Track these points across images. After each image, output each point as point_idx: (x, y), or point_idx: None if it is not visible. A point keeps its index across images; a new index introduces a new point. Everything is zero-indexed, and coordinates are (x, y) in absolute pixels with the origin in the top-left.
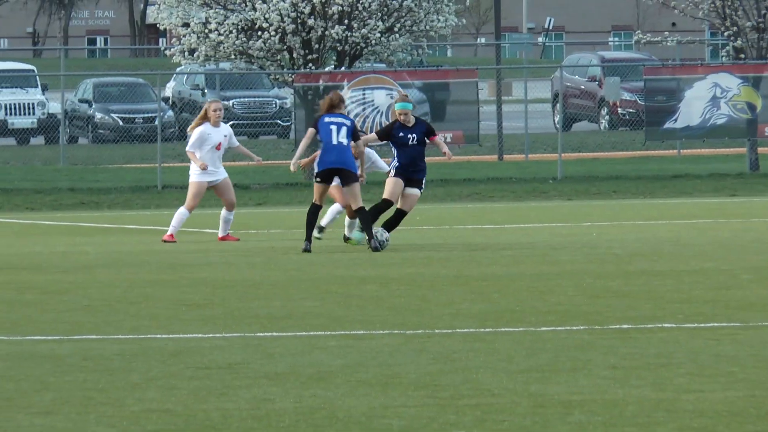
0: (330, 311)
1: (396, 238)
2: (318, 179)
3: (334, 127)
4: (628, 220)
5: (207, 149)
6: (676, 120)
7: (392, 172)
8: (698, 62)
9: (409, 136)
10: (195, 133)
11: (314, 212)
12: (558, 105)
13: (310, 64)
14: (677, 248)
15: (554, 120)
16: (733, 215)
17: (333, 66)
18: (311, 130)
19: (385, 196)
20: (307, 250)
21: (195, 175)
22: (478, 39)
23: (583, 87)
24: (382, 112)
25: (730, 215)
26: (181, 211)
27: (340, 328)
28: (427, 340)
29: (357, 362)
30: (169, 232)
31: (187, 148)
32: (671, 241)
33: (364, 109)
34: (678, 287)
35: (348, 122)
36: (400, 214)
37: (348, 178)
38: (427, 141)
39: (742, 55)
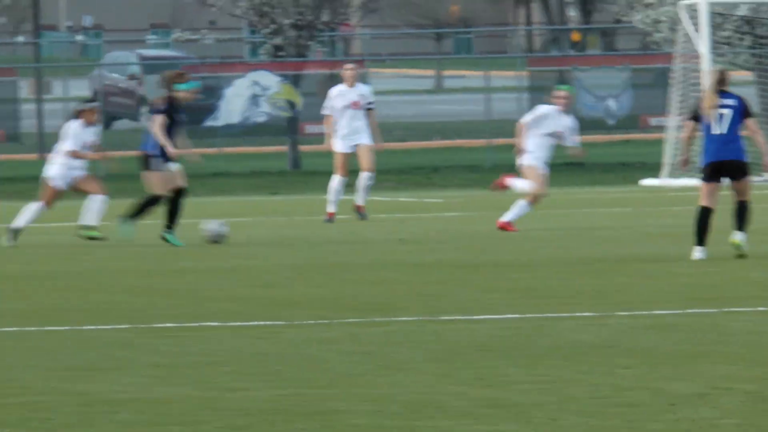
0: None
1: None
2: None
3: None
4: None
5: None
6: (216, 118)
7: (157, 164)
8: (237, 60)
9: (183, 117)
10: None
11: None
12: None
13: None
14: (219, 247)
15: None
16: (274, 213)
17: None
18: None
19: (168, 188)
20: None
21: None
22: (17, 37)
23: (122, 85)
24: None
25: (270, 213)
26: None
27: None
28: None
29: None
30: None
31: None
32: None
33: None
34: (220, 285)
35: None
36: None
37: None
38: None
39: (282, 53)
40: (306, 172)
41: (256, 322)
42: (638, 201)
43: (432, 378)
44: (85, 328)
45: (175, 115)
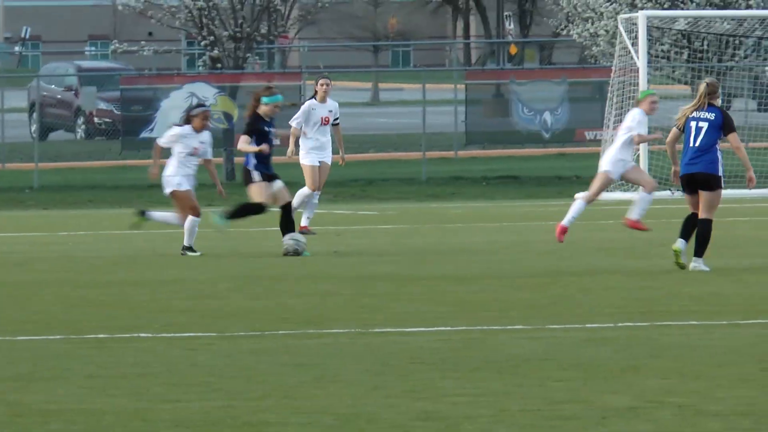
0: None
1: None
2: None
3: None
4: (104, 230)
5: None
6: (152, 129)
7: (256, 176)
8: (175, 72)
9: (272, 131)
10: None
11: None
12: (35, 114)
13: None
14: (154, 257)
15: (30, 129)
16: (208, 225)
17: None
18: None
19: (260, 200)
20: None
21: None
22: None
23: (59, 96)
24: None
25: (205, 224)
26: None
27: None
28: None
29: None
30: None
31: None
32: (148, 249)
33: None
34: (155, 297)
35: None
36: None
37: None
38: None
39: (219, 65)
40: (241, 183)
41: (189, 334)
42: None
43: (364, 390)
44: (18, 338)
45: (261, 128)
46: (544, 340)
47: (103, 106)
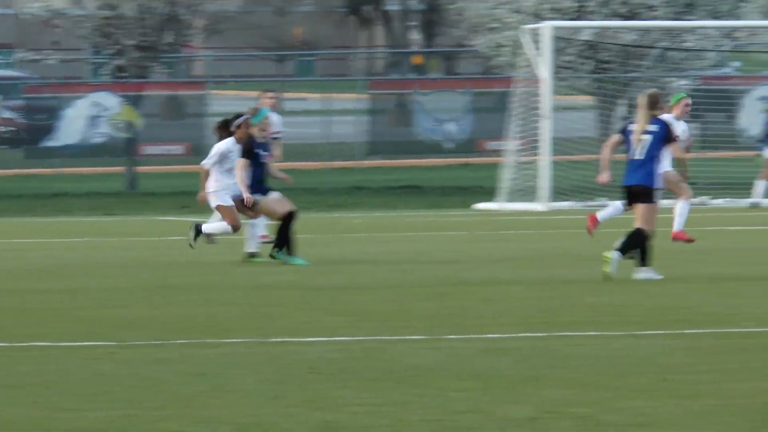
0: None
1: None
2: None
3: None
4: (6, 239)
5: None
6: (55, 138)
7: (258, 197)
8: (79, 81)
9: (263, 153)
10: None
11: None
12: None
13: None
14: (55, 267)
15: None
16: (109, 234)
17: None
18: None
19: (282, 214)
20: None
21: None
22: None
23: None
24: None
25: (106, 234)
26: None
27: None
28: None
29: None
30: None
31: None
32: (49, 258)
33: None
34: (55, 305)
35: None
36: (292, 216)
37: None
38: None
39: (124, 74)
40: (143, 192)
41: (89, 343)
42: (474, 225)
43: (263, 400)
44: None
45: (255, 151)
46: (445, 350)
47: (6, 114)
